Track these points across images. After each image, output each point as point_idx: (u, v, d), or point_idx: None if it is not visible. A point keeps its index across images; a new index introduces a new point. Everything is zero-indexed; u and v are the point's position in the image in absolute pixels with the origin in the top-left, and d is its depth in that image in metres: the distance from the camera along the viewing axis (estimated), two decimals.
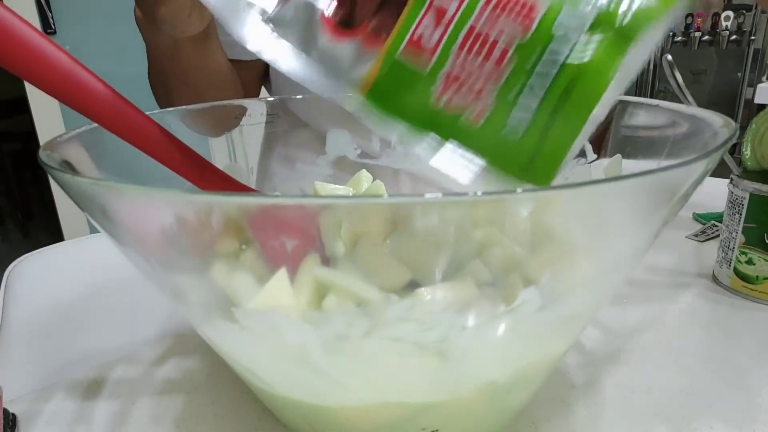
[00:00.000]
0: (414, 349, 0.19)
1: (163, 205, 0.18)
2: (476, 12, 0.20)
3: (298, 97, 0.43)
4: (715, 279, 0.46)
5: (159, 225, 0.19)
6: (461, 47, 0.20)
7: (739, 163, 0.43)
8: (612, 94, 0.20)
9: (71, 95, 0.22)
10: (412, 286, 0.21)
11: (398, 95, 0.21)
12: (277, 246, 0.21)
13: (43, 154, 0.21)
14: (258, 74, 0.61)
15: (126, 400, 0.32)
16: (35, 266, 0.57)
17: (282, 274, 0.20)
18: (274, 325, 0.20)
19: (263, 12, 0.22)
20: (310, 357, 0.20)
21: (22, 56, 0.20)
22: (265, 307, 0.20)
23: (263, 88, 0.64)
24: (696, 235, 0.55)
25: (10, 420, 0.30)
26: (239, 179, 0.29)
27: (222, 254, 0.21)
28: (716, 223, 0.57)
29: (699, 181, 0.20)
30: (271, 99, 0.42)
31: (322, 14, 0.22)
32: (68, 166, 0.24)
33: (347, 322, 0.19)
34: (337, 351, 0.19)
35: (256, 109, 0.42)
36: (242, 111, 0.45)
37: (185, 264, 0.21)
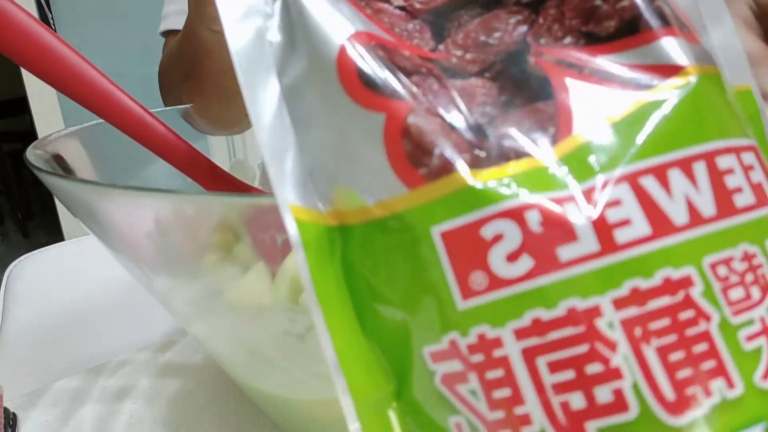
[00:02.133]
0: None
1: (146, 206, 0.18)
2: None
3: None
4: None
5: (144, 225, 0.19)
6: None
7: None
8: None
9: (72, 86, 0.22)
10: None
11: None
12: (267, 240, 0.21)
13: (31, 154, 0.21)
14: None
15: (125, 399, 0.32)
16: (35, 266, 0.57)
17: (260, 267, 0.20)
18: (250, 318, 0.20)
19: None
20: (277, 350, 0.20)
21: (27, 46, 0.20)
22: (242, 300, 0.20)
23: None
24: None
25: (11, 419, 0.30)
26: (246, 176, 0.29)
27: (214, 247, 0.22)
28: None
29: None
30: None
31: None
32: (61, 166, 0.24)
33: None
34: (299, 346, 0.20)
35: None
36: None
37: (173, 263, 0.21)
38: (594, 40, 0.14)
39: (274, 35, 0.14)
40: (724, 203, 0.12)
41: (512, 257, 0.11)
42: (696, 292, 0.12)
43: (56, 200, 1.92)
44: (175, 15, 0.50)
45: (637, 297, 0.11)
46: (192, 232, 0.19)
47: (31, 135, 1.92)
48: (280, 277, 0.21)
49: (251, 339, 0.20)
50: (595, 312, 0.11)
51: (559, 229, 0.11)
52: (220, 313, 0.20)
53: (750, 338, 0.12)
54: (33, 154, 0.21)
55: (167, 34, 0.52)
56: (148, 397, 0.33)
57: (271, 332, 0.19)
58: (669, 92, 0.13)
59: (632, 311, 0.11)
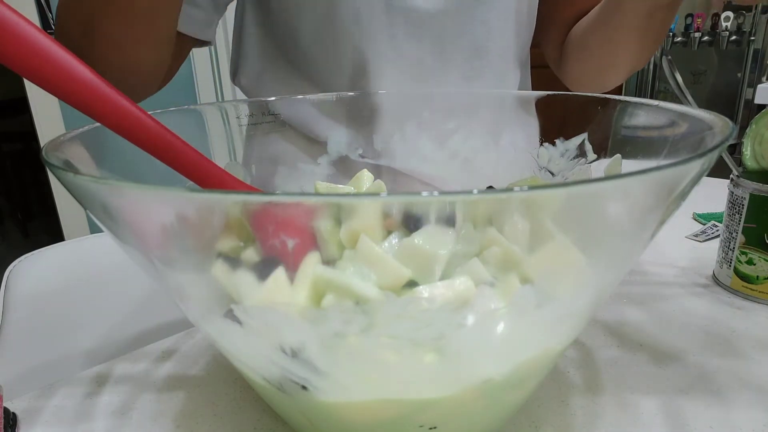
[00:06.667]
0: (411, 346, 0.19)
1: (164, 203, 0.18)
2: None
3: (275, 98, 0.43)
4: (715, 279, 0.46)
5: (160, 223, 0.19)
6: None
7: (739, 163, 0.43)
8: None
9: (72, 93, 0.22)
10: (411, 284, 0.21)
11: None
12: (277, 244, 0.21)
13: (46, 154, 0.22)
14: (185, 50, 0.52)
15: (126, 400, 0.33)
16: (35, 266, 0.57)
17: (281, 272, 0.20)
18: (272, 323, 0.20)
19: None
20: (308, 354, 0.20)
21: (25, 54, 0.20)
22: (264, 304, 0.20)
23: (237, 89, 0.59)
24: (696, 235, 0.55)
25: (11, 419, 0.30)
26: (239, 178, 0.29)
27: (223, 252, 0.22)
28: (716, 223, 0.57)
29: (696, 181, 0.20)
30: (265, 99, 0.42)
31: None
32: (70, 166, 0.24)
33: (345, 320, 0.19)
34: (335, 348, 0.20)
35: (259, 109, 0.42)
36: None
37: (186, 262, 0.21)
38: None
39: None
40: None
41: None
42: None
43: (56, 200, 1.92)
44: None
45: None
46: (204, 230, 0.20)
47: (31, 135, 1.91)
48: (299, 281, 0.21)
49: (290, 342, 0.20)
50: None
51: None
52: (252, 315, 0.20)
53: None
54: (47, 155, 0.22)
55: None
56: (146, 396, 0.33)
57: (318, 334, 0.19)
58: None
59: None
